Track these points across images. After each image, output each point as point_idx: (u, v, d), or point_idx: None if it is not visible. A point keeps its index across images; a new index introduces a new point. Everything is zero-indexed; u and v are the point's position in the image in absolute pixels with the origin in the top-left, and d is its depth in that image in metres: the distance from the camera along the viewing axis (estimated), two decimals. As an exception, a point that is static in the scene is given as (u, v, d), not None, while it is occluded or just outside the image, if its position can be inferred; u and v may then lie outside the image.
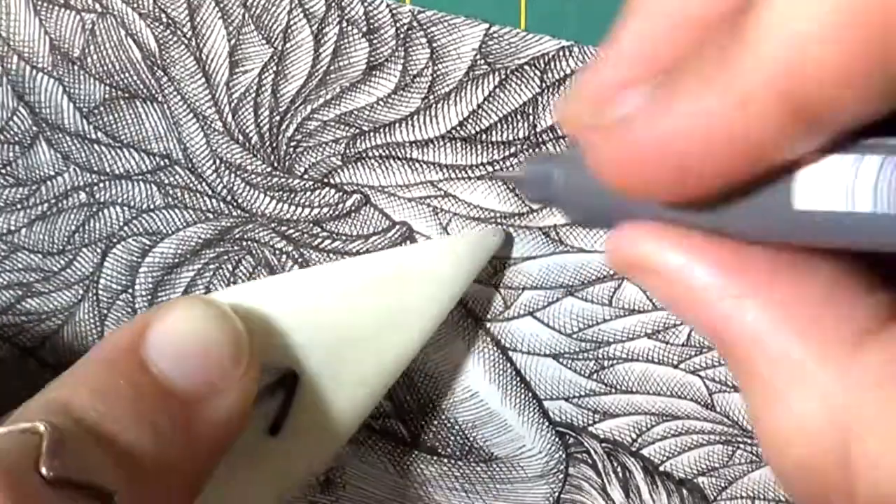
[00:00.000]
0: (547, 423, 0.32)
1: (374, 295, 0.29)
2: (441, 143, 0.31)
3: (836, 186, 0.16)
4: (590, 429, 0.32)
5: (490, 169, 0.31)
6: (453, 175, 0.31)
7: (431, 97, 0.31)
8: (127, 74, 0.32)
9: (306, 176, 0.32)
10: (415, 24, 0.31)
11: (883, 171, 0.16)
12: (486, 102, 0.31)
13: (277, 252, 0.32)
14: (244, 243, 0.33)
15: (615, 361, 0.32)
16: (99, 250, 0.33)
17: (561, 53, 0.31)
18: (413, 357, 0.30)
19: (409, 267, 0.30)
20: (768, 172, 0.17)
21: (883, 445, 0.16)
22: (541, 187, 0.22)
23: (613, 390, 0.32)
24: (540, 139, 0.31)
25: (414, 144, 0.31)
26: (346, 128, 0.32)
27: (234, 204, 0.32)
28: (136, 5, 0.32)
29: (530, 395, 0.32)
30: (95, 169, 0.33)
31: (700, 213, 0.18)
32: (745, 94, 0.16)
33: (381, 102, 0.31)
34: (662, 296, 0.19)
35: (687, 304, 0.19)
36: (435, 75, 0.31)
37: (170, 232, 0.33)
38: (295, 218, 0.32)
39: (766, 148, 0.16)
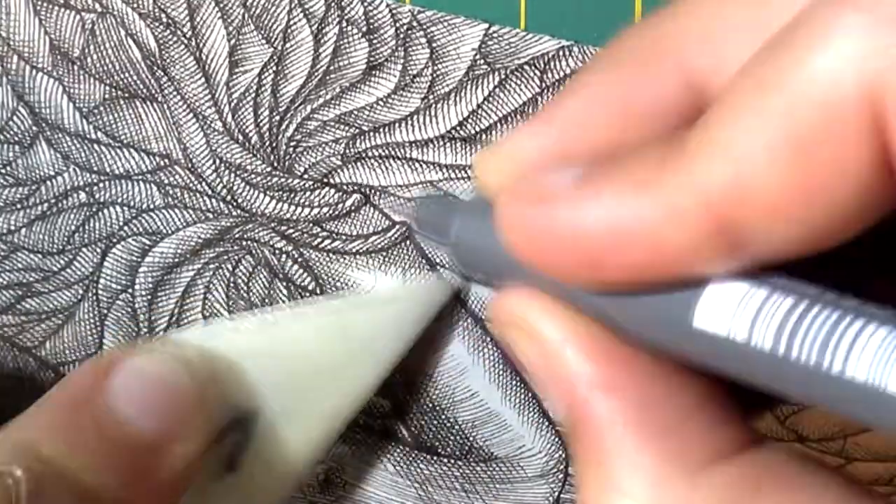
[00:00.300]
0: (547, 423, 0.32)
1: (332, 336, 0.30)
2: (441, 143, 0.31)
3: (726, 312, 0.16)
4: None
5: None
6: (453, 175, 0.31)
7: (431, 97, 0.31)
8: (127, 74, 0.32)
9: (306, 176, 0.32)
10: (415, 23, 0.31)
11: (766, 306, 0.16)
12: (485, 102, 0.31)
13: (277, 252, 0.32)
14: (244, 243, 0.33)
15: (615, 361, 0.32)
16: (99, 250, 0.33)
17: (561, 53, 0.31)
18: (371, 394, 0.30)
19: (367, 310, 0.31)
20: (675, 282, 0.17)
21: None
22: (436, 226, 0.22)
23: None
24: (540, 139, 0.31)
25: (414, 144, 0.31)
26: (346, 128, 0.32)
27: (234, 204, 0.33)
28: (136, 5, 0.32)
29: (530, 394, 0.32)
30: (95, 169, 0.33)
31: (596, 295, 0.18)
32: (676, 206, 0.16)
33: (380, 102, 0.31)
34: (530, 362, 0.19)
35: (551, 378, 0.19)
36: (435, 75, 0.31)
37: (170, 232, 0.33)
38: (295, 218, 0.32)
39: (682, 260, 0.16)
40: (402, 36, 0.31)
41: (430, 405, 0.33)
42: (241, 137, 0.32)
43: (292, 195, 0.32)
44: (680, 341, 0.17)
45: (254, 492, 0.30)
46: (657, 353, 0.18)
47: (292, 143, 0.32)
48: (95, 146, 0.33)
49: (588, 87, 0.19)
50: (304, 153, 0.32)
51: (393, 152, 0.31)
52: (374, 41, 0.31)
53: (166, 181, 0.33)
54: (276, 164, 0.32)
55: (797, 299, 0.16)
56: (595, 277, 0.17)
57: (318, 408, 0.30)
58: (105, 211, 0.33)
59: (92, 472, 0.25)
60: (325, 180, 0.32)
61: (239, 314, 0.33)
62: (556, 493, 0.32)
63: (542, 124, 0.19)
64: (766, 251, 0.16)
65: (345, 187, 0.32)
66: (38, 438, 0.25)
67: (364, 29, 0.31)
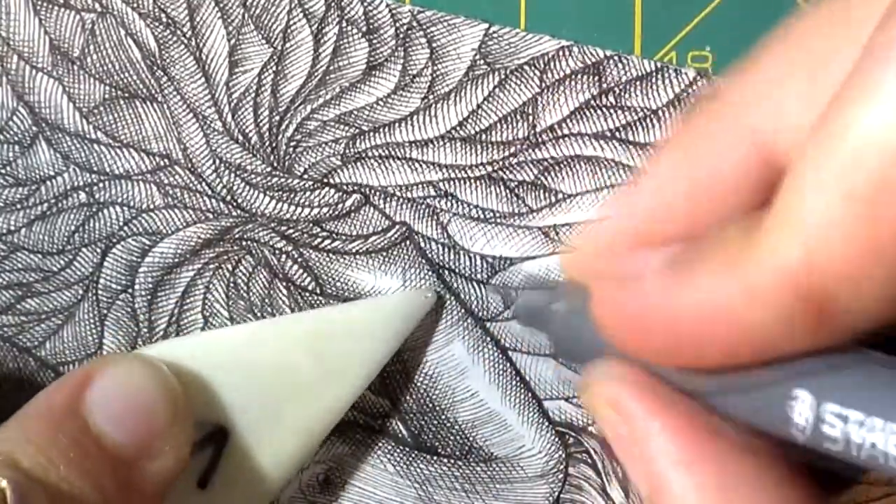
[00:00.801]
0: (547, 423, 0.32)
1: (306, 352, 0.30)
2: (441, 143, 0.31)
3: (833, 393, 0.17)
4: (590, 428, 0.32)
5: (488, 169, 0.31)
6: (453, 175, 0.31)
7: (431, 97, 0.31)
8: (127, 74, 0.32)
9: (306, 176, 0.32)
10: (414, 24, 0.31)
11: (874, 386, 0.16)
12: (485, 102, 0.31)
13: (277, 252, 0.32)
14: (244, 243, 0.33)
15: (615, 361, 0.32)
16: (99, 250, 0.33)
17: (561, 53, 0.31)
18: (345, 410, 0.31)
19: (345, 324, 0.31)
20: (767, 362, 0.17)
21: None
22: (534, 315, 0.22)
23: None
24: (540, 139, 0.31)
25: (414, 144, 0.31)
26: (346, 128, 0.32)
27: (234, 204, 0.33)
28: (136, 5, 0.32)
29: (530, 395, 0.32)
30: (95, 169, 0.33)
31: (688, 377, 0.18)
32: (759, 285, 0.16)
33: (380, 102, 0.31)
34: (615, 435, 0.20)
35: (635, 452, 0.19)
36: (434, 75, 0.31)
37: (170, 232, 0.33)
38: (295, 218, 0.32)
39: (772, 340, 0.17)
40: (401, 36, 0.31)
41: (430, 405, 0.33)
42: (241, 137, 0.32)
43: (292, 195, 0.32)
44: (775, 424, 0.17)
45: None
46: (746, 431, 0.18)
47: (292, 143, 0.32)
48: (95, 146, 0.33)
49: (663, 168, 0.19)
50: (304, 153, 0.32)
51: (393, 152, 0.31)
52: (374, 41, 0.31)
53: (166, 181, 0.33)
54: (276, 164, 0.32)
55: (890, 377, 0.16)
56: (687, 360, 0.18)
57: (292, 425, 0.30)
58: (105, 211, 0.33)
59: (72, 485, 0.25)
60: (325, 180, 0.32)
61: (221, 323, 0.33)
62: (556, 493, 0.32)
63: (625, 208, 0.20)
64: (854, 318, 0.16)
65: (345, 187, 0.32)
66: (16, 450, 0.25)
67: (364, 29, 0.31)
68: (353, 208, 0.32)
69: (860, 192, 0.15)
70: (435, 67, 0.31)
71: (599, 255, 0.19)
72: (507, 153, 0.31)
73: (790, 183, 0.16)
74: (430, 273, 0.32)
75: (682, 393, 0.19)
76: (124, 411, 0.27)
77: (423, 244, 0.32)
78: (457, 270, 0.32)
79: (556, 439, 0.32)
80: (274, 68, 0.32)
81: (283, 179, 0.32)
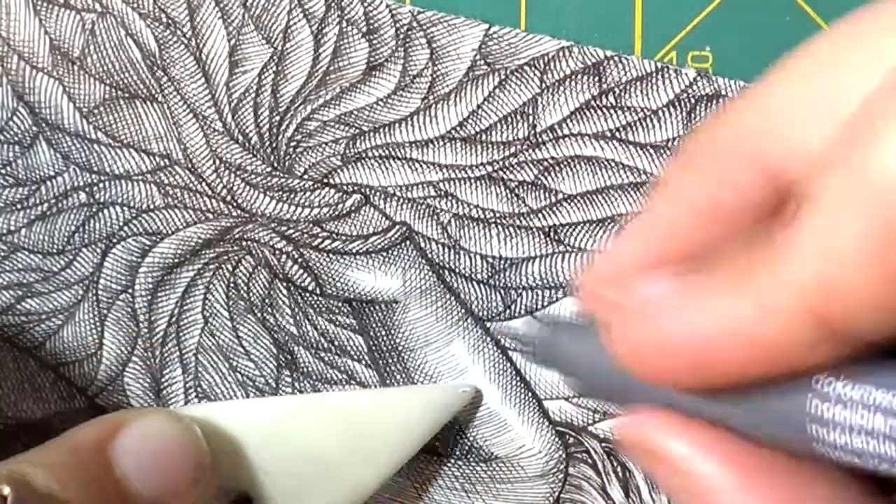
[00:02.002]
0: (547, 423, 0.32)
1: (338, 432, 0.30)
2: (441, 143, 0.31)
3: (851, 405, 0.17)
4: (590, 428, 0.32)
5: (488, 169, 0.31)
6: (453, 175, 0.31)
7: (431, 97, 0.31)
8: (127, 74, 0.32)
9: (306, 176, 0.32)
10: (414, 24, 0.31)
11: (877, 394, 0.16)
12: (485, 103, 0.31)
13: (277, 252, 0.32)
14: (244, 243, 0.33)
15: (615, 361, 0.32)
16: (99, 250, 0.33)
17: (561, 54, 0.31)
18: (370, 495, 0.31)
19: (380, 410, 0.31)
20: (787, 376, 0.17)
21: None
22: (547, 352, 0.22)
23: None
24: (540, 139, 0.31)
25: (414, 144, 0.31)
26: (346, 128, 0.32)
27: (234, 204, 0.33)
28: (136, 5, 0.32)
29: (530, 394, 0.32)
30: (95, 169, 0.33)
31: (712, 402, 0.18)
32: (772, 303, 0.16)
33: (380, 103, 0.31)
34: (666, 483, 0.20)
35: (689, 493, 0.19)
36: (435, 76, 0.31)
37: (170, 232, 0.33)
38: (295, 218, 0.32)
39: (786, 355, 0.17)
40: (402, 36, 0.31)
41: (430, 405, 0.33)
42: (241, 138, 0.32)
43: (292, 195, 0.32)
44: (801, 438, 0.17)
45: None
46: (786, 450, 0.18)
47: (292, 144, 0.32)
48: (95, 146, 0.33)
49: (673, 192, 0.19)
50: (304, 153, 0.32)
51: (393, 152, 0.31)
52: (374, 41, 0.31)
53: (166, 181, 0.33)
54: (276, 165, 0.32)
55: None
56: (706, 382, 0.18)
57: (317, 501, 0.30)
58: (105, 211, 0.33)
59: None
60: (325, 180, 0.32)
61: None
62: (556, 493, 0.33)
63: (633, 234, 0.19)
64: (867, 338, 0.16)
65: (345, 187, 0.32)
66: (34, 472, 0.25)
67: (364, 29, 0.31)
68: (353, 208, 0.32)
69: (881, 222, 0.15)
70: (435, 68, 0.31)
71: (609, 284, 0.19)
72: (507, 153, 0.31)
73: (809, 206, 0.16)
74: (430, 273, 0.32)
75: (711, 424, 0.19)
76: (150, 463, 0.27)
77: (423, 244, 0.32)
78: (457, 270, 0.32)
79: (556, 439, 0.32)
80: (274, 68, 0.32)
81: (283, 180, 0.32)
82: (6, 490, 0.24)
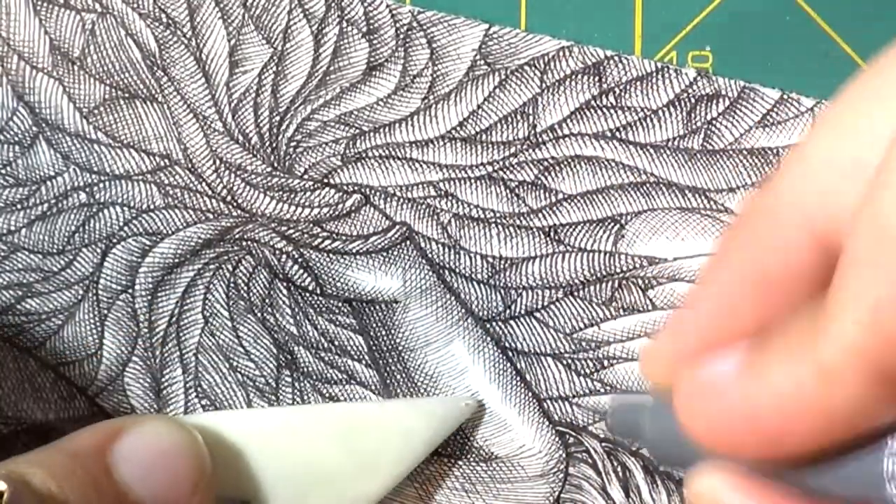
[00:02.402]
0: (547, 423, 0.32)
1: (339, 443, 0.30)
2: (441, 143, 0.31)
3: None
4: (590, 428, 0.32)
5: (488, 169, 0.31)
6: (453, 175, 0.31)
7: (431, 97, 0.31)
8: (127, 74, 0.32)
9: (306, 176, 0.32)
10: (415, 24, 0.31)
11: None
12: (485, 103, 0.31)
13: (277, 252, 0.32)
14: (244, 243, 0.33)
15: (615, 361, 0.32)
16: (99, 250, 0.33)
17: (561, 54, 0.31)
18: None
19: (382, 422, 0.31)
20: (857, 440, 0.17)
21: None
22: (628, 428, 0.23)
23: (613, 390, 0.32)
24: (540, 139, 0.31)
25: (414, 144, 0.31)
26: (346, 128, 0.32)
27: (234, 204, 0.33)
28: (136, 5, 0.32)
29: (530, 394, 0.32)
30: (95, 169, 0.33)
31: (786, 471, 0.18)
32: (832, 367, 0.16)
33: (380, 103, 0.31)
34: None
35: None
36: (435, 76, 0.31)
37: (170, 232, 0.33)
38: (295, 218, 0.32)
39: (856, 418, 0.17)
40: (402, 36, 0.31)
41: (431, 405, 0.33)
42: (241, 138, 0.32)
43: (292, 195, 0.32)
44: (879, 498, 0.17)
45: None
46: None
47: (292, 144, 0.32)
48: (95, 146, 0.33)
49: (726, 264, 0.19)
50: (305, 153, 0.32)
51: (393, 152, 0.31)
52: (375, 41, 0.31)
53: (166, 181, 0.33)
54: (276, 165, 0.32)
55: None
56: (776, 453, 0.18)
57: None
58: (105, 211, 0.33)
59: None
60: (326, 180, 0.32)
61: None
62: (556, 493, 0.33)
63: (694, 311, 0.20)
64: None
65: (345, 187, 0.32)
66: (32, 472, 0.25)
67: (364, 29, 0.31)
68: (353, 208, 0.32)
69: None
70: (435, 68, 0.31)
71: (675, 360, 0.20)
72: (507, 153, 0.31)
73: (844, 262, 0.16)
74: (430, 273, 0.32)
75: (780, 486, 0.19)
76: (150, 469, 0.27)
77: (423, 244, 0.32)
78: (457, 270, 0.32)
79: (557, 439, 0.32)
80: (274, 69, 0.32)
81: (283, 180, 0.32)
82: (2, 486, 0.24)
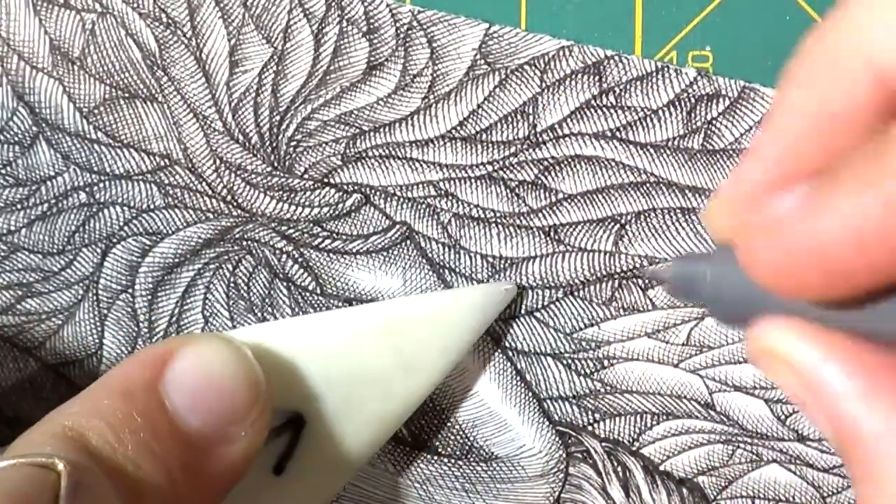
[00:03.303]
0: (547, 423, 0.32)
1: (385, 342, 0.30)
2: (441, 142, 0.31)
3: None
4: (590, 428, 0.32)
5: (488, 169, 0.31)
6: (453, 175, 0.31)
7: (431, 97, 0.31)
8: (127, 74, 0.32)
9: (306, 176, 0.32)
10: (415, 23, 0.31)
11: None
12: (485, 102, 0.31)
13: (277, 252, 0.32)
14: (244, 243, 0.33)
15: (615, 361, 0.32)
16: (99, 250, 0.33)
17: (561, 53, 0.31)
18: (421, 401, 0.30)
19: (420, 315, 0.30)
20: None
21: None
22: (689, 287, 0.22)
23: (613, 390, 0.32)
24: (540, 139, 0.31)
25: (414, 144, 0.31)
26: (346, 127, 0.32)
27: (234, 204, 0.32)
28: (136, 5, 0.32)
29: (530, 394, 0.32)
30: (95, 169, 0.33)
31: (847, 312, 0.18)
32: None
33: (380, 102, 0.31)
34: (792, 390, 0.19)
35: (815, 401, 0.19)
36: (435, 75, 0.31)
37: (170, 232, 0.33)
38: (295, 218, 0.32)
39: None
40: (402, 36, 0.31)
41: (430, 405, 0.33)
42: (241, 138, 0.32)
43: (292, 195, 0.32)
44: None
45: (299, 496, 0.29)
46: None
47: (292, 143, 0.32)
48: (96, 146, 0.33)
49: (789, 107, 0.19)
50: (305, 153, 0.32)
51: (393, 152, 0.31)
52: (375, 41, 0.31)
53: (166, 181, 0.33)
54: (276, 164, 0.32)
55: None
56: (843, 290, 0.17)
57: (369, 413, 0.29)
58: (105, 211, 0.33)
59: (138, 465, 0.24)
60: (326, 180, 0.32)
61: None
62: (557, 493, 0.32)
63: (756, 155, 0.19)
64: None
65: (345, 187, 0.32)
66: (85, 426, 0.24)
67: (364, 29, 0.31)
68: (353, 208, 0.32)
69: None
70: (435, 67, 0.31)
71: (739, 207, 0.19)
72: (507, 153, 0.31)
73: None
74: (430, 273, 0.32)
75: (846, 332, 0.19)
76: (203, 394, 0.26)
77: (423, 244, 0.32)
78: (457, 270, 0.32)
79: (557, 439, 0.32)
80: (274, 68, 0.32)
81: (283, 179, 0.32)
82: (60, 466, 0.22)
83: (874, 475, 0.18)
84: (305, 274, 0.32)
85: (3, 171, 0.33)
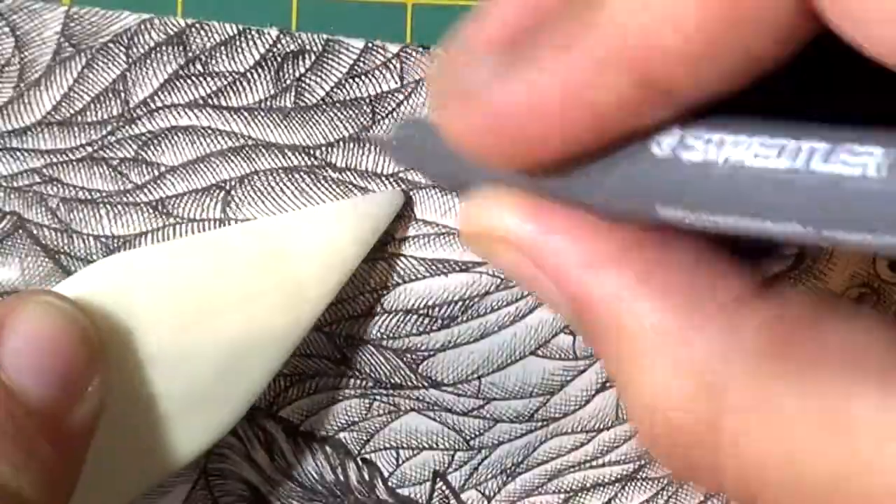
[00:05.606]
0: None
1: (257, 267, 0.28)
2: (38, 129, 0.31)
3: (688, 158, 0.16)
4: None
5: (88, 150, 0.31)
6: (55, 160, 0.31)
7: (23, 85, 0.31)
8: None
9: None
10: (-6, 14, 0.31)
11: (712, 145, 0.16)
12: (76, 84, 0.31)
13: None
14: None
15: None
16: None
17: (143, 27, 0.31)
18: (304, 334, 0.28)
19: (301, 233, 0.28)
20: (622, 139, 0.16)
21: (752, 421, 0.16)
22: (406, 152, 0.21)
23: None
24: (134, 114, 0.31)
25: (12, 134, 0.31)
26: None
27: None
28: None
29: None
30: None
31: (559, 181, 0.17)
32: (595, 62, 0.15)
33: (-20, 96, 0.31)
34: (513, 269, 0.18)
35: (539, 276, 0.18)
36: (23, 63, 0.31)
37: None
38: None
39: (615, 116, 0.16)
40: (-16, 28, 0.31)
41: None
42: None
43: None
44: (644, 201, 0.17)
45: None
46: (632, 220, 0.17)
47: None
48: None
49: None
50: None
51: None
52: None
53: None
54: None
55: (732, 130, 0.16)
56: (540, 157, 0.17)
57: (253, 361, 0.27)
58: None
59: (4, 459, 0.23)
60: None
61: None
62: (202, 464, 0.33)
63: (474, 22, 0.18)
64: (695, 96, 0.15)
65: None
66: None
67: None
68: None
69: None
70: (22, 55, 0.31)
71: (445, 72, 0.18)
72: (104, 132, 0.31)
73: None
74: (46, 260, 0.32)
75: (558, 201, 0.18)
76: (41, 361, 0.24)
77: (35, 231, 0.32)
78: (73, 254, 0.32)
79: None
80: None
81: None
82: None
83: (619, 345, 0.17)
84: None
85: None
